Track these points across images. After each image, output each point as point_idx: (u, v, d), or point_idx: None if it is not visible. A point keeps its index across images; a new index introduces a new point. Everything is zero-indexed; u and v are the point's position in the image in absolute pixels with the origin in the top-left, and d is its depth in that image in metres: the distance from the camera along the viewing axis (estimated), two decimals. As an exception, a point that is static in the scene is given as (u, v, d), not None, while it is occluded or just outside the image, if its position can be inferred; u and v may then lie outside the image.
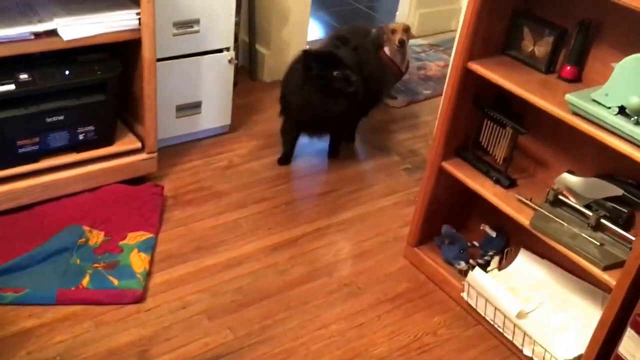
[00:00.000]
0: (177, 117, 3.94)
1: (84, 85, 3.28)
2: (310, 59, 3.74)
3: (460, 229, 3.39)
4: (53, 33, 3.09)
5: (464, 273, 3.14)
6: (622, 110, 2.37)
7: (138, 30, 3.26)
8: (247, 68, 4.96)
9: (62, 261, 3.05)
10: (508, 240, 3.25)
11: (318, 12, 6.26)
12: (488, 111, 2.97)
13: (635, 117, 2.33)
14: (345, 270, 3.32)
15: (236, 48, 4.06)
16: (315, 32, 5.90)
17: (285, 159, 4.12)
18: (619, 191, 2.60)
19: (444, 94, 3.03)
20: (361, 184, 3.98)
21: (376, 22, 6.25)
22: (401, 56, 4.83)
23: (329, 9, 6.64)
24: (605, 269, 2.53)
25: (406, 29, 4.76)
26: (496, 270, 3.15)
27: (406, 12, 5.99)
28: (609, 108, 2.39)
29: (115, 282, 2.98)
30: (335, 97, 3.76)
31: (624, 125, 2.35)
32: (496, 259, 3.21)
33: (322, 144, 4.28)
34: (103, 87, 3.33)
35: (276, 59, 4.88)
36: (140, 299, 2.97)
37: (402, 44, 4.72)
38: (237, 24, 4.05)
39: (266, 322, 2.96)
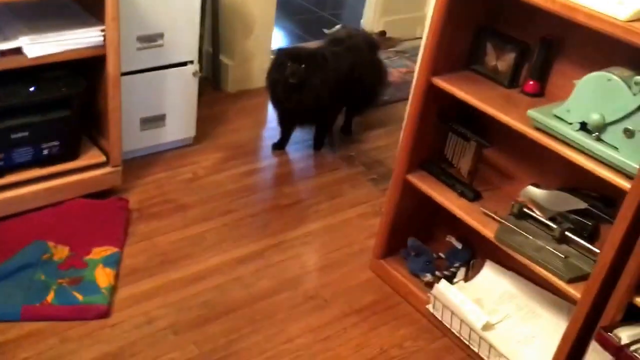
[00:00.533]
0: (141, 130, 3.92)
1: (49, 102, 3.28)
2: (280, 53, 4.13)
3: (426, 240, 3.40)
4: (18, 51, 3.09)
5: (430, 285, 3.15)
6: (583, 126, 2.40)
7: (102, 47, 3.26)
8: (211, 79, 4.95)
9: (26, 277, 3.02)
10: (474, 251, 3.26)
11: (282, 20, 6.26)
12: (452, 125, 2.98)
13: (597, 133, 2.36)
14: (311, 282, 3.32)
15: (200, 59, 4.05)
16: (280, 41, 5.90)
17: (278, 145, 4.41)
18: (582, 204, 2.62)
19: (408, 108, 3.05)
20: (326, 195, 3.98)
21: (340, 31, 6.25)
22: None
23: (293, 17, 6.64)
24: (570, 281, 2.56)
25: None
26: (462, 282, 3.16)
27: (371, 20, 6.01)
28: (571, 124, 2.42)
29: (80, 297, 2.96)
30: (291, 88, 4.02)
31: (586, 141, 2.38)
32: (462, 271, 3.22)
33: (286, 155, 4.30)
34: (67, 103, 3.32)
35: (240, 69, 4.88)
36: (105, 314, 2.95)
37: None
38: (201, 35, 4.04)
39: (232, 336, 2.95)
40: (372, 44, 4.54)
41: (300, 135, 4.51)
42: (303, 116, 4.34)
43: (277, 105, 4.28)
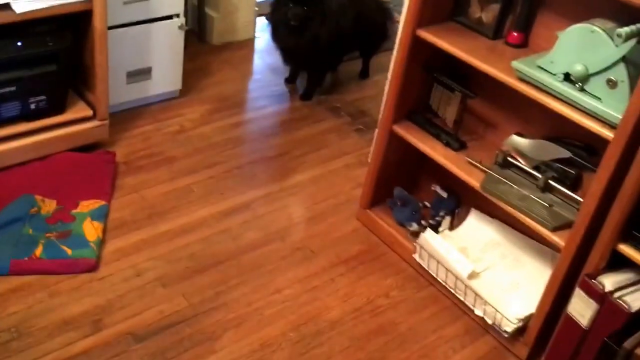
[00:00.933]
0: (127, 83, 3.92)
1: (36, 56, 3.27)
2: None
3: (412, 189, 3.42)
4: (5, 6, 3.06)
5: (415, 234, 3.17)
6: (567, 77, 2.42)
7: (89, 1, 3.24)
8: (196, 31, 4.93)
9: (14, 231, 3.03)
10: (459, 200, 3.29)
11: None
12: (437, 76, 3.00)
13: (580, 84, 2.38)
14: (298, 234, 3.34)
15: (185, 12, 4.05)
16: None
17: (288, 79, 4.66)
18: (566, 153, 2.64)
19: (393, 59, 3.05)
20: (312, 146, 3.99)
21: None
22: None
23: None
24: (554, 229, 2.59)
25: None
26: (447, 230, 3.19)
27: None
28: (555, 75, 2.44)
29: (69, 251, 2.98)
30: (291, 29, 4.12)
31: (569, 91, 2.40)
32: (447, 220, 3.25)
33: (272, 107, 4.32)
34: (55, 57, 3.32)
35: (225, 22, 4.88)
36: (93, 268, 2.96)
37: None
38: (186, -13, 4.04)
39: (220, 288, 2.98)
40: None
41: (286, 88, 4.52)
42: (300, 58, 4.40)
43: (277, 44, 4.36)
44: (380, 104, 3.40)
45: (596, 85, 2.36)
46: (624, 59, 2.27)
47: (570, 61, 2.39)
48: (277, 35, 4.28)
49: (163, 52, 3.99)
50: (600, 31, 2.31)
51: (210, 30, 4.90)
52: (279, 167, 3.77)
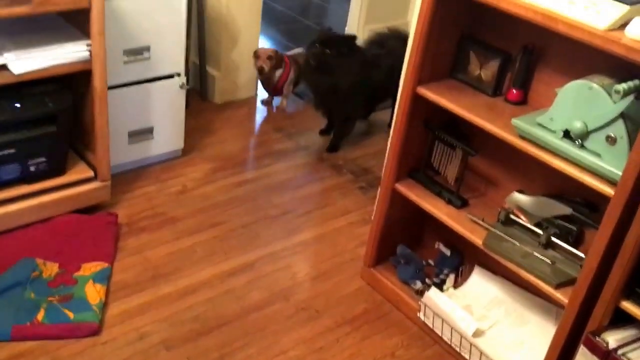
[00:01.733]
0: (129, 143, 3.92)
1: (35, 118, 3.26)
2: (319, 33, 4.43)
3: (416, 247, 3.42)
4: (3, 67, 3.07)
5: (420, 293, 3.16)
6: (566, 134, 2.42)
7: (89, 61, 3.25)
8: (198, 90, 4.95)
9: (16, 296, 3.01)
10: (462, 258, 3.28)
11: (267, 29, 6.26)
12: (438, 134, 3.00)
13: (579, 141, 2.39)
14: (303, 293, 3.32)
15: (187, 70, 4.07)
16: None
17: (325, 131, 4.76)
18: (567, 210, 2.65)
19: (394, 117, 3.06)
20: (316, 204, 3.99)
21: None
22: (268, 80, 4.96)
23: (277, 25, 6.66)
24: (558, 286, 2.58)
25: (271, 56, 4.82)
26: (452, 288, 3.18)
27: (355, 28, 6.00)
28: (554, 132, 2.45)
29: (71, 315, 2.96)
30: (314, 69, 4.32)
31: (569, 148, 2.41)
32: (451, 277, 3.24)
33: (275, 165, 4.31)
34: (54, 118, 3.31)
35: (227, 80, 4.90)
36: (96, 332, 2.94)
37: (261, 71, 4.82)
38: (187, 46, 4.05)
39: (225, 350, 2.95)
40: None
41: (289, 145, 4.53)
42: (320, 100, 4.56)
43: (302, 81, 4.79)
44: (382, 161, 3.40)
45: (596, 141, 2.36)
46: (622, 115, 2.27)
47: (570, 118, 2.40)
48: (302, 75, 4.65)
49: (164, 111, 4.00)
50: (599, 88, 2.32)
51: (212, 88, 4.92)
52: (282, 226, 3.76)
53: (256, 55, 4.80)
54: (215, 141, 4.45)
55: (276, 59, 4.83)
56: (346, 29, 6.14)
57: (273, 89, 4.98)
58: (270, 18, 6.64)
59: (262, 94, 5.14)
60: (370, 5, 5.93)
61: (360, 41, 4.60)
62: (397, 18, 5.87)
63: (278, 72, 4.90)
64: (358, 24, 6.00)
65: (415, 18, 2.82)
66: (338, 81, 4.29)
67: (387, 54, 4.45)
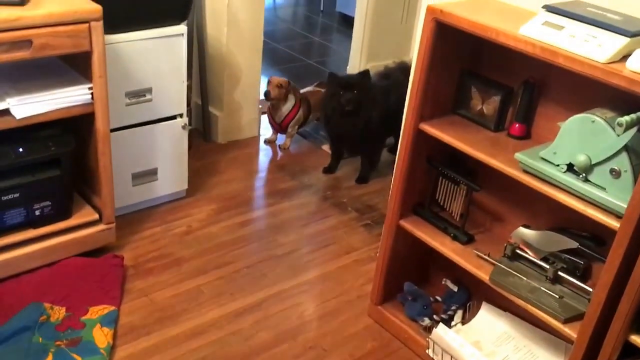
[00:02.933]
0: (133, 185, 3.93)
1: (39, 162, 3.27)
2: (332, 79, 4.52)
3: (423, 283, 3.40)
4: (5, 112, 3.08)
5: (428, 329, 3.15)
6: (570, 168, 2.42)
7: (91, 104, 3.26)
8: (200, 130, 4.96)
9: (24, 341, 3.00)
10: (470, 293, 3.27)
11: (269, 70, 6.30)
12: (442, 169, 3.00)
13: (584, 174, 2.38)
14: (310, 332, 3.30)
15: (189, 111, 4.08)
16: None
17: (328, 169, 4.80)
18: (573, 244, 2.64)
19: (398, 154, 3.06)
20: (321, 242, 3.98)
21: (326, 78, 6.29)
22: (274, 110, 4.97)
23: (280, 66, 6.69)
24: (566, 321, 2.56)
25: (282, 85, 4.86)
26: (460, 324, 3.16)
27: (356, 67, 6.04)
28: (558, 166, 2.44)
29: (79, 359, 2.95)
30: (344, 114, 4.42)
31: (573, 182, 2.40)
32: (459, 313, 3.23)
33: (279, 204, 4.31)
34: (57, 162, 3.32)
35: (229, 120, 4.91)
36: (105, 376, 2.93)
37: (267, 96, 4.85)
38: (189, 86, 4.06)
39: (233, 391, 2.95)
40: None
41: (293, 184, 4.53)
42: (352, 143, 4.68)
43: (329, 131, 4.72)
44: (387, 198, 3.41)
45: (600, 175, 2.35)
46: (626, 148, 2.27)
47: (573, 152, 2.40)
48: (331, 123, 4.57)
49: (167, 152, 4.00)
50: (601, 121, 2.32)
51: (214, 129, 4.93)
52: (288, 265, 3.75)
53: (268, 81, 4.86)
54: (219, 181, 4.46)
55: (286, 90, 4.87)
56: (347, 67, 6.18)
57: (279, 125, 4.98)
58: (272, 57, 6.69)
59: (264, 133, 5.15)
60: (371, 44, 5.99)
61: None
62: (399, 55, 5.90)
63: (286, 107, 4.91)
64: (359, 62, 6.05)
65: (416, 52, 2.83)
66: (370, 119, 4.44)
67: (394, 86, 4.52)
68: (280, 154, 4.97)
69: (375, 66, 5.73)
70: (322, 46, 7.52)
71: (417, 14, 4.66)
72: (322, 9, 8.76)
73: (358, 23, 6.16)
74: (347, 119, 4.44)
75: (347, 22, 7.60)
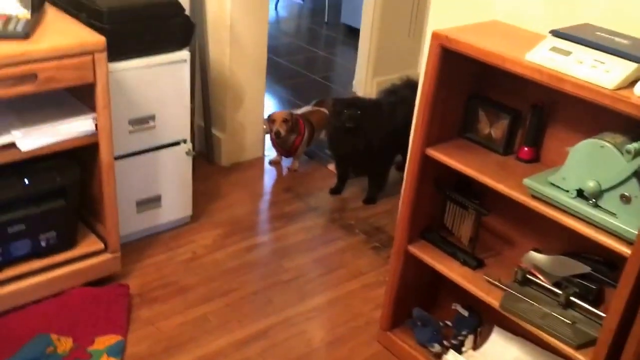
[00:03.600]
0: (137, 213, 3.90)
1: (44, 193, 3.26)
2: (336, 102, 4.50)
3: (432, 308, 3.37)
4: (11, 145, 3.07)
5: (438, 356, 3.11)
6: (580, 193, 2.39)
7: (95, 134, 3.25)
8: (204, 153, 4.93)
9: (32, 373, 2.98)
10: (481, 318, 3.22)
11: (273, 86, 6.26)
12: (450, 194, 2.97)
13: (594, 200, 2.35)
14: (319, 360, 3.28)
15: (192, 134, 4.05)
16: (271, 108, 5.78)
17: (335, 190, 4.77)
18: (586, 268, 2.60)
19: (404, 178, 3.03)
20: (328, 267, 3.94)
21: (331, 93, 6.26)
22: (283, 142, 4.91)
23: (284, 81, 6.65)
24: (579, 347, 2.52)
25: (287, 119, 4.81)
26: (471, 350, 3.12)
27: (362, 81, 6.02)
28: (567, 191, 2.41)
29: (87, 391, 2.93)
30: (347, 132, 4.40)
31: (583, 208, 2.37)
32: (470, 339, 3.18)
33: (285, 228, 4.28)
34: (63, 192, 3.31)
35: (233, 142, 4.89)
36: (113, 407, 2.90)
37: (278, 135, 4.79)
38: (192, 109, 4.03)
39: None
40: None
41: (299, 207, 4.50)
42: (358, 163, 4.68)
43: (334, 152, 4.73)
44: (394, 219, 3.37)
45: (610, 200, 2.33)
46: (636, 174, 2.24)
47: (582, 177, 2.37)
48: (335, 143, 4.62)
49: (172, 179, 3.97)
50: (610, 147, 2.29)
51: (218, 151, 4.90)
52: (295, 291, 3.71)
53: (271, 119, 4.80)
54: (223, 205, 4.43)
55: (292, 122, 4.83)
56: (353, 82, 6.15)
57: (287, 151, 4.96)
58: (276, 73, 6.63)
59: (269, 153, 5.12)
60: (378, 58, 5.95)
61: (373, 94, 4.66)
62: (406, 69, 5.85)
63: (293, 135, 4.88)
64: (366, 77, 6.01)
65: (423, 69, 2.80)
66: (374, 138, 4.40)
67: (400, 102, 4.50)
68: (284, 174, 4.94)
69: (382, 81, 5.71)
70: (327, 60, 7.49)
71: (425, 25, 4.61)
72: (326, 20, 8.70)
73: (364, 35, 6.11)
74: (350, 138, 4.41)
75: (352, 33, 7.51)
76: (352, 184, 4.79)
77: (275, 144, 4.96)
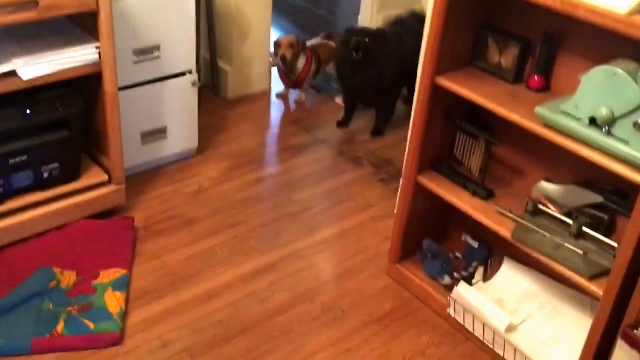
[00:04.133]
0: (142, 144, 3.86)
1: (46, 123, 3.21)
2: (347, 32, 4.45)
3: (442, 240, 3.34)
4: (12, 73, 3.02)
5: (449, 288, 3.08)
6: (592, 121, 2.33)
7: (98, 64, 3.19)
8: (210, 85, 4.88)
9: (34, 308, 2.95)
10: (491, 249, 3.19)
11: (279, 21, 6.18)
12: (460, 124, 2.92)
13: (606, 128, 2.30)
14: (328, 293, 3.24)
15: (198, 66, 3.99)
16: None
17: (343, 123, 4.73)
18: (598, 198, 2.57)
19: (414, 108, 2.98)
20: (337, 199, 3.90)
21: (337, 28, 6.19)
22: (288, 68, 4.85)
23: (290, 16, 6.57)
24: (592, 278, 2.50)
25: (293, 44, 4.75)
26: (481, 282, 3.10)
27: (368, 16, 5.91)
28: (580, 120, 2.36)
29: (92, 325, 2.90)
30: (356, 65, 4.36)
31: (596, 136, 2.33)
32: (480, 270, 3.16)
33: (293, 160, 4.24)
34: (66, 123, 3.26)
35: (239, 75, 4.83)
36: (118, 342, 2.88)
37: (284, 61, 4.73)
38: (197, 42, 3.96)
39: (250, 355, 2.88)
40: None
41: (307, 139, 4.45)
42: (367, 94, 4.60)
43: (342, 83, 4.63)
44: (403, 151, 3.32)
45: (623, 128, 2.27)
46: (650, 101, 2.19)
47: (595, 105, 2.31)
48: (344, 74, 4.54)
49: (177, 110, 3.93)
50: (624, 73, 2.23)
51: (224, 84, 4.84)
52: (303, 224, 3.68)
53: (277, 44, 4.74)
54: (230, 138, 4.38)
55: (298, 47, 4.78)
56: (359, 18, 6.06)
57: (295, 82, 4.90)
58: (282, 9, 6.55)
59: (276, 87, 5.07)
60: (383, -10, 5.85)
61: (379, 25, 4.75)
62: (412, 3, 5.77)
63: (300, 63, 4.82)
64: (371, 12, 5.91)
65: (430, 2, 2.74)
66: (382, 68, 4.38)
67: (406, 33, 4.48)
68: (292, 107, 4.88)
69: (388, 16, 5.63)
70: (333, -6, 7.40)
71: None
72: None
73: (370, -32, 6.01)
74: (359, 69, 4.36)
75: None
76: (359, 117, 4.74)
77: (283, 74, 4.90)
